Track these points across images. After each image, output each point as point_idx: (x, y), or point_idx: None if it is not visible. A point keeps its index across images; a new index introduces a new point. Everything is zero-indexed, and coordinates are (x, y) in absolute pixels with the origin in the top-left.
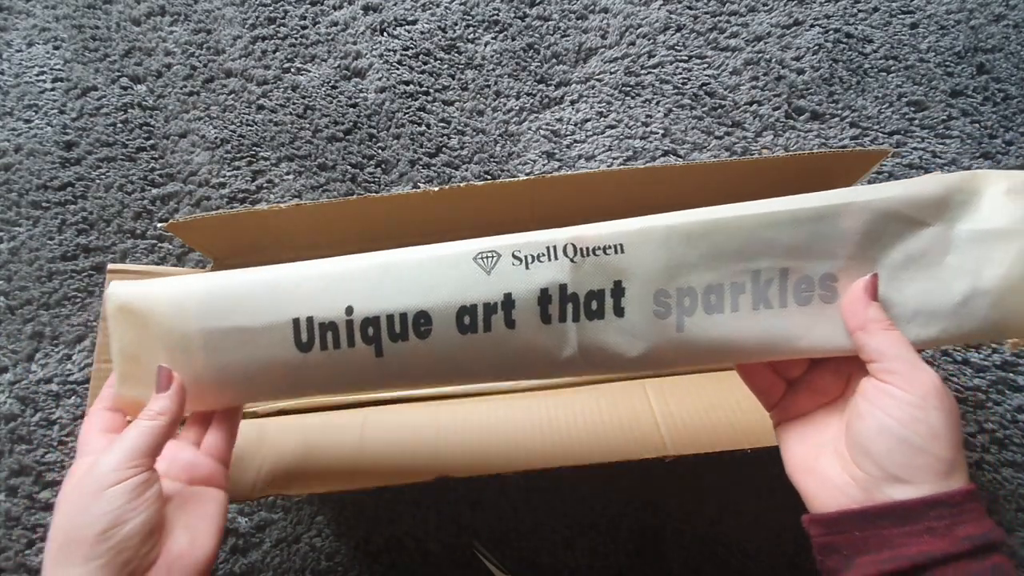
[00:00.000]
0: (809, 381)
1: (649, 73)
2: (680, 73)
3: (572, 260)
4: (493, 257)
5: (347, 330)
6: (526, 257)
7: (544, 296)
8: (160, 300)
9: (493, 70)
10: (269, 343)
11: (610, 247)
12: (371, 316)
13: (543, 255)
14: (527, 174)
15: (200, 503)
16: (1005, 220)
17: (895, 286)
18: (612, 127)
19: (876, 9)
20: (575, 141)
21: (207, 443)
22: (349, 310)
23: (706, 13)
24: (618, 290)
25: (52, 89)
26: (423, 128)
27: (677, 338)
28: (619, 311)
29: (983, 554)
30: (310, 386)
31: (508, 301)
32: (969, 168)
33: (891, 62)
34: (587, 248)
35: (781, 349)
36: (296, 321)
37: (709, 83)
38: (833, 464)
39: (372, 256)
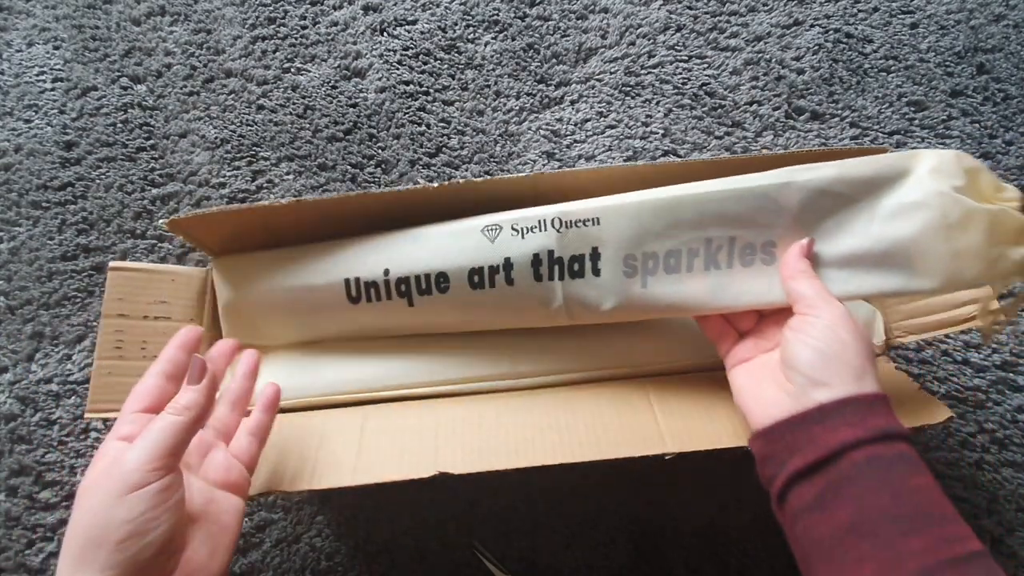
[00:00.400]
0: (757, 332)
1: (649, 73)
2: (680, 73)
3: (558, 231)
4: (496, 229)
5: (385, 287)
6: (522, 228)
7: (536, 259)
8: (251, 266)
9: (493, 70)
10: (328, 297)
11: (589, 220)
12: (403, 276)
13: (535, 227)
14: (528, 174)
15: (222, 511)
16: (920, 194)
17: (826, 248)
18: (612, 127)
19: (876, 9)
20: (575, 141)
21: (239, 447)
22: (386, 272)
23: (706, 13)
24: (595, 254)
25: (52, 89)
26: (423, 128)
27: (642, 293)
28: (596, 271)
29: (889, 440)
30: (359, 328)
31: (508, 264)
32: None
33: (891, 62)
34: (570, 221)
35: (727, 302)
36: (347, 280)
37: (709, 83)
38: (771, 386)
39: (403, 231)
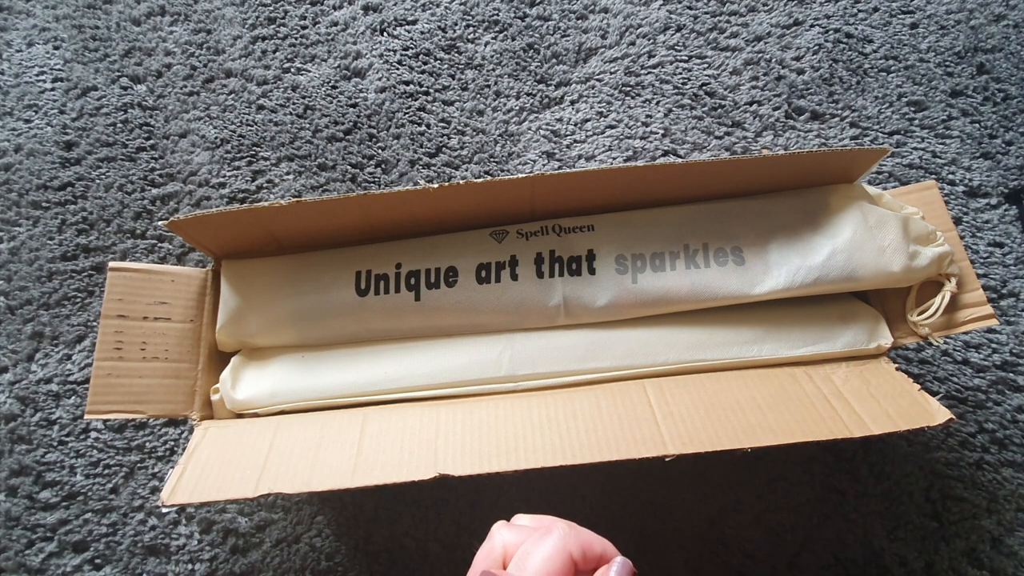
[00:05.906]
0: None
1: (649, 73)
2: (680, 73)
3: (559, 235)
4: (504, 233)
5: (395, 280)
6: (527, 232)
7: (539, 258)
8: (260, 272)
9: (493, 70)
10: (336, 289)
11: (585, 227)
12: (414, 270)
13: (538, 232)
14: (527, 174)
15: None
16: (845, 208)
17: (782, 252)
18: (612, 127)
19: (876, 9)
20: (575, 141)
21: None
22: (399, 265)
23: (706, 13)
24: (591, 256)
25: (52, 89)
26: (423, 128)
27: (632, 289)
28: (592, 271)
29: None
30: (363, 328)
31: (513, 260)
32: (968, 168)
33: (891, 62)
34: (569, 227)
35: (705, 297)
36: (358, 273)
37: (709, 83)
38: None
39: (415, 239)
